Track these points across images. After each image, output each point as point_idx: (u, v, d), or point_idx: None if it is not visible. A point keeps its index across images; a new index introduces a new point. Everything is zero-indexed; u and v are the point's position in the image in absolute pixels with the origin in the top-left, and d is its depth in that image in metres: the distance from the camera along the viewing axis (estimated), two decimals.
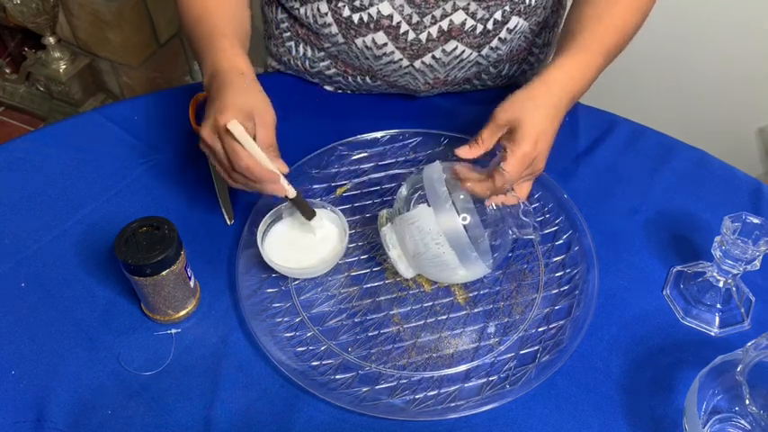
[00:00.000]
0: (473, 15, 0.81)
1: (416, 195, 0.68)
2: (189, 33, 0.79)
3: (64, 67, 1.83)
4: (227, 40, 0.74)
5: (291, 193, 0.71)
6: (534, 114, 0.70)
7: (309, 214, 0.74)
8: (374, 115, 0.93)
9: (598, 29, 0.77)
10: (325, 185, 0.84)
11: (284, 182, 0.70)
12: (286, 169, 0.71)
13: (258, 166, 0.67)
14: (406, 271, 0.70)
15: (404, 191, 0.70)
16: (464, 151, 0.71)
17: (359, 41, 0.84)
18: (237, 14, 0.80)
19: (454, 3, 0.79)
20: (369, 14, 0.81)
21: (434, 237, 0.65)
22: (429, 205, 0.66)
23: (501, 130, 0.71)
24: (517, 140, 0.69)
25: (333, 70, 0.93)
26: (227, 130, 0.66)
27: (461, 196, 0.66)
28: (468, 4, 0.80)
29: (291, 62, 0.96)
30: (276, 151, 0.71)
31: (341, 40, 0.86)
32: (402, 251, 0.69)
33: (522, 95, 0.72)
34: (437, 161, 0.69)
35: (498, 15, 0.82)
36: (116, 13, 1.70)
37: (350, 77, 0.93)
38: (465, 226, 0.65)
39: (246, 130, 0.67)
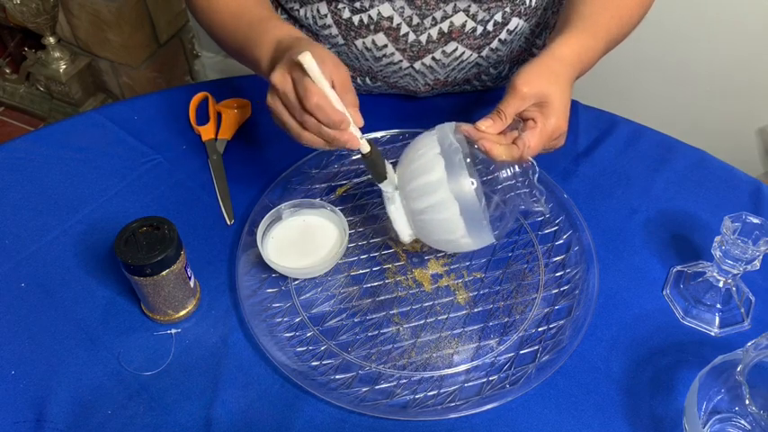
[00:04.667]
0: (473, 17, 0.81)
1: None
2: (233, 45, 0.78)
3: (64, 67, 1.83)
4: (274, 20, 0.73)
5: (365, 147, 0.66)
6: (560, 88, 0.68)
7: (380, 177, 0.67)
8: (374, 115, 0.92)
9: (604, 14, 0.76)
10: (325, 185, 0.84)
11: (357, 133, 0.65)
12: (362, 123, 0.66)
13: (330, 105, 0.63)
14: (404, 229, 0.67)
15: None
16: (486, 124, 0.67)
17: (359, 43, 0.84)
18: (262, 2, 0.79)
19: (455, 4, 0.79)
20: (369, 16, 0.81)
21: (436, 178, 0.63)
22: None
23: (525, 104, 0.68)
24: (547, 114, 0.67)
25: None
26: (299, 66, 0.62)
27: (467, 160, 0.64)
28: (469, 5, 0.80)
29: None
30: (357, 105, 0.66)
31: (341, 41, 0.86)
32: (403, 207, 0.66)
33: (542, 68, 0.68)
34: (453, 123, 0.67)
35: (498, 17, 0.82)
36: (116, 13, 1.70)
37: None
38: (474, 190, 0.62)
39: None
